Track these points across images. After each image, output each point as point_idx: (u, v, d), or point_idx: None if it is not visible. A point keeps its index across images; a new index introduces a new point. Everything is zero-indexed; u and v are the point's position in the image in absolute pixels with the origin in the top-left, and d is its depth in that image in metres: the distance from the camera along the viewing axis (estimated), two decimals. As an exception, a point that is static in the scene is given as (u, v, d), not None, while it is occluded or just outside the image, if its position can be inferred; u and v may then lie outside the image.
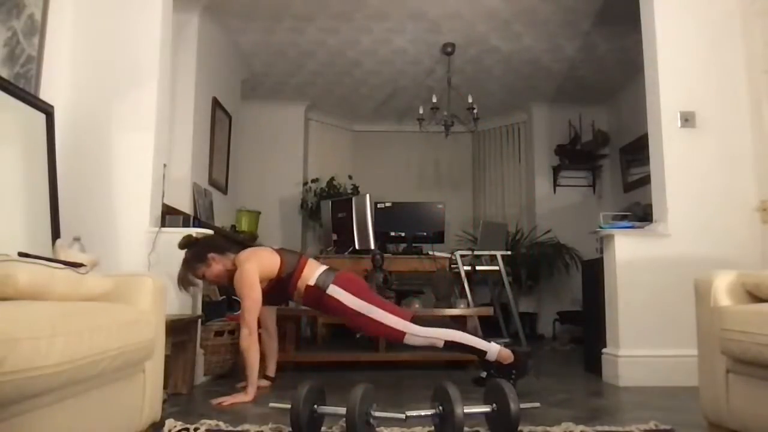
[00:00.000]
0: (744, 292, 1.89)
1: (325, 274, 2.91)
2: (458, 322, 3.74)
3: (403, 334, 2.81)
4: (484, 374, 3.05)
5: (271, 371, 3.17)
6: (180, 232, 3.15)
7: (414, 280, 5.16)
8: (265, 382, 3.06)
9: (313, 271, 2.92)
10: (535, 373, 2.72)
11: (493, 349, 2.86)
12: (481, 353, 2.87)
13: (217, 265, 2.88)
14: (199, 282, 2.98)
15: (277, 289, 2.92)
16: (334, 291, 2.87)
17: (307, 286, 2.90)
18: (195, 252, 2.88)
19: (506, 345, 2.98)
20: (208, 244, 2.94)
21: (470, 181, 7.55)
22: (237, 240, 5.14)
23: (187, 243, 2.89)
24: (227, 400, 2.60)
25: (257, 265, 2.83)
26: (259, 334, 2.92)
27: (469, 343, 2.87)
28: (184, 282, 2.85)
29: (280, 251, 2.97)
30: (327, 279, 2.89)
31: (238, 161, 5.82)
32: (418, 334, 2.81)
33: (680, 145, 3.30)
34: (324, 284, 2.88)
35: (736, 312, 1.78)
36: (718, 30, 3.38)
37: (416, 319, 2.87)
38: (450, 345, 2.87)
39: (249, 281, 2.78)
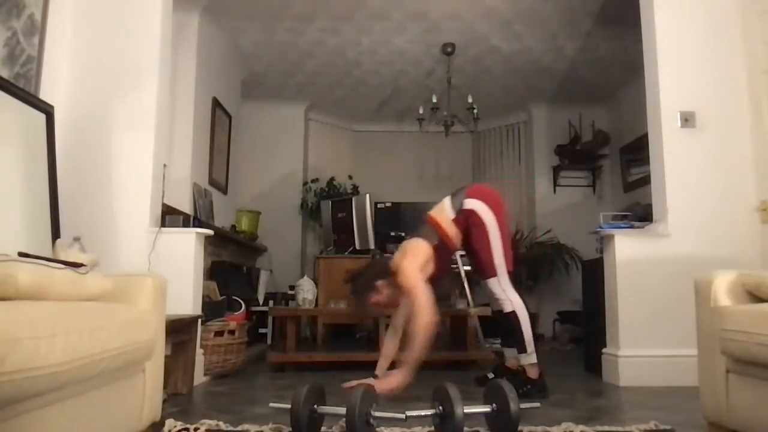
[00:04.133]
0: (744, 292, 1.89)
1: (455, 198, 2.99)
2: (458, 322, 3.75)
3: (495, 275, 2.93)
4: (491, 375, 3.05)
5: (380, 370, 2.94)
6: (180, 233, 3.16)
7: (414, 280, 5.15)
8: (372, 380, 2.93)
9: (446, 212, 2.98)
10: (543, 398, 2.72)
11: (532, 357, 2.88)
12: (522, 349, 2.88)
13: (386, 289, 2.84)
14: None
15: (443, 258, 2.96)
16: (472, 204, 2.94)
17: (453, 221, 2.94)
18: (360, 284, 2.87)
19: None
20: (373, 273, 2.90)
21: (470, 181, 7.53)
22: (237, 240, 5.15)
23: (351, 277, 2.91)
24: (383, 384, 2.48)
25: (413, 258, 2.79)
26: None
27: (523, 332, 2.89)
28: (360, 313, 2.81)
29: (414, 234, 2.96)
30: (459, 198, 2.98)
31: (238, 161, 5.82)
32: (502, 285, 2.94)
33: (680, 145, 3.30)
34: (460, 204, 2.95)
35: (736, 312, 1.78)
36: (718, 30, 3.38)
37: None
38: (512, 318, 2.90)
39: (411, 275, 2.70)
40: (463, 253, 4.80)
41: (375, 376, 2.93)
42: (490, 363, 3.49)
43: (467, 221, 2.96)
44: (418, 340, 2.56)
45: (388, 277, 2.84)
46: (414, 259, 2.79)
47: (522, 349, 2.88)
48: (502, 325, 3.01)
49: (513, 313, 2.90)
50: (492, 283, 2.94)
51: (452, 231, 2.96)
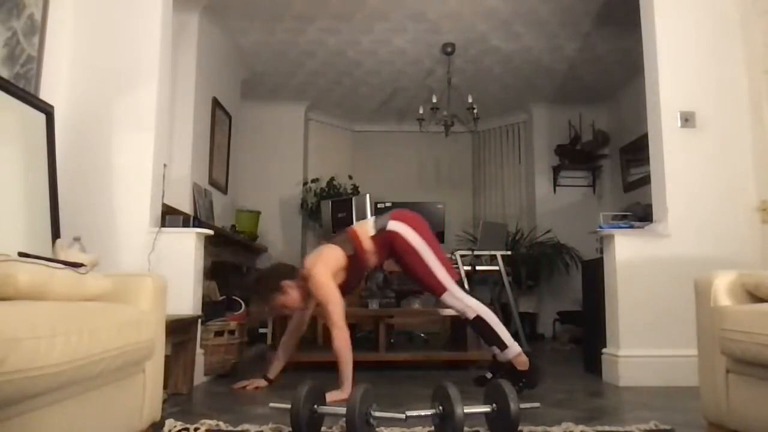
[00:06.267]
0: (744, 292, 1.89)
1: (379, 219, 3.00)
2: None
3: (445, 290, 2.91)
4: (489, 375, 3.05)
5: (273, 374, 3.12)
6: (180, 233, 3.16)
7: (414, 280, 5.16)
8: (262, 382, 3.05)
9: (366, 227, 2.99)
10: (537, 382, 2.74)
11: (514, 349, 2.87)
12: (502, 346, 2.87)
13: (293, 290, 2.89)
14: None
15: (354, 271, 2.97)
16: (395, 226, 2.94)
17: (372, 238, 2.95)
18: (265, 284, 2.90)
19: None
20: (278, 273, 2.93)
21: (470, 181, 7.55)
22: (237, 240, 5.15)
23: (255, 278, 2.98)
24: (333, 396, 2.54)
25: (325, 266, 2.83)
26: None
27: (496, 330, 2.88)
28: (258, 316, 2.83)
29: (331, 241, 3.01)
30: (383, 220, 2.98)
31: (238, 161, 5.82)
32: (456, 295, 2.91)
33: (680, 145, 3.30)
34: (382, 225, 2.95)
35: (736, 312, 1.78)
36: (718, 30, 3.38)
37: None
38: (479, 323, 2.89)
39: (325, 285, 2.79)
40: (464, 253, 4.83)
41: (266, 377, 3.07)
42: (490, 363, 3.49)
43: (393, 245, 2.95)
44: (342, 355, 2.72)
45: (294, 278, 2.89)
46: (326, 267, 2.83)
47: (502, 346, 2.88)
48: (476, 331, 3.03)
49: (477, 318, 2.89)
50: (446, 297, 2.92)
51: (368, 245, 2.95)
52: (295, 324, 3.14)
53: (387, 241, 2.95)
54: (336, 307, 2.77)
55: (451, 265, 3.00)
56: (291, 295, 2.88)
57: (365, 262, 2.99)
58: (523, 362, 2.86)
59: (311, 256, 2.94)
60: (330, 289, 2.79)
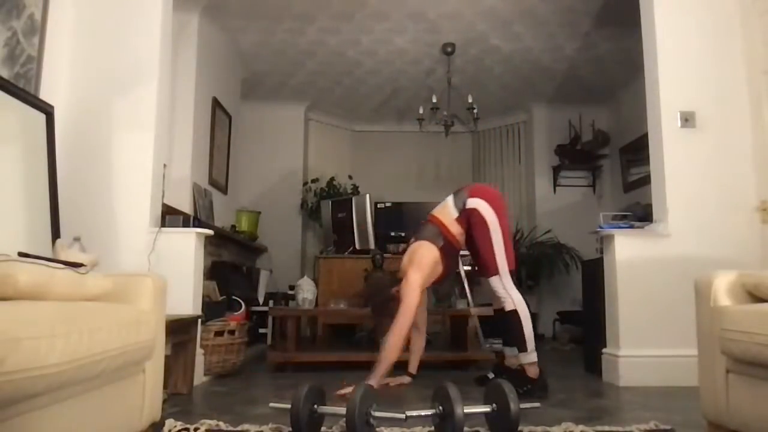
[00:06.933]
0: (744, 292, 1.89)
1: (457, 198, 3.04)
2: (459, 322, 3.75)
3: (497, 273, 2.94)
4: (491, 375, 3.05)
5: (413, 368, 3.17)
6: (180, 233, 3.16)
7: (414, 280, 5.15)
8: (406, 379, 3.11)
9: (448, 211, 3.03)
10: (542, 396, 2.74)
11: (533, 356, 2.88)
12: (523, 347, 2.89)
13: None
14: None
15: (449, 257, 3.03)
16: (474, 203, 2.98)
17: (457, 220, 2.99)
18: (381, 301, 3.03)
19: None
20: (383, 286, 3.08)
21: (470, 181, 7.54)
22: (237, 240, 5.15)
23: (367, 299, 3.13)
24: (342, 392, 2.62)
25: (420, 272, 2.88)
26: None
27: (525, 331, 2.90)
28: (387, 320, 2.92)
29: (422, 236, 3.02)
30: (461, 198, 3.02)
31: (238, 161, 5.82)
32: (505, 283, 2.95)
33: (680, 145, 3.30)
34: (462, 204, 3.00)
35: (736, 312, 1.78)
36: (718, 30, 3.38)
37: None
38: (513, 317, 2.91)
39: (412, 292, 2.83)
40: (464, 253, 4.83)
41: (410, 374, 3.15)
42: (491, 363, 3.49)
43: (469, 220, 2.99)
44: (389, 350, 2.74)
45: (396, 283, 3.00)
46: (420, 270, 2.90)
47: (522, 348, 2.88)
48: (504, 323, 3.02)
49: (514, 312, 2.90)
50: (494, 281, 2.96)
51: (456, 230, 3.01)
52: (417, 330, 3.17)
53: (467, 217, 3.00)
54: (407, 312, 2.79)
55: (513, 254, 3.03)
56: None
57: (457, 245, 3.06)
58: (534, 372, 2.87)
59: (406, 255, 3.02)
60: (413, 297, 2.82)
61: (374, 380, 2.67)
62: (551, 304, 6.28)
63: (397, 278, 3.04)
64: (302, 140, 6.95)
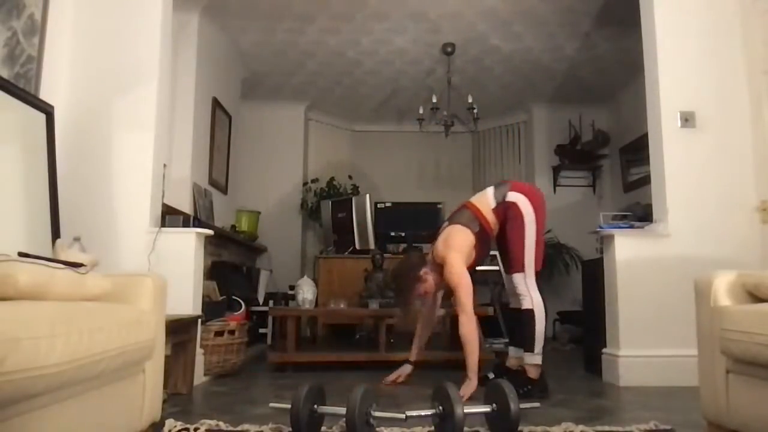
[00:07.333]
0: (744, 292, 1.89)
1: (498, 190, 3.02)
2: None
3: (522, 270, 2.93)
4: (491, 375, 3.04)
5: (414, 356, 3.20)
6: (180, 233, 3.16)
7: (414, 280, 5.15)
8: (408, 368, 3.15)
9: (487, 200, 3.02)
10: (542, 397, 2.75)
11: (538, 358, 2.88)
12: (530, 348, 2.88)
13: (430, 276, 2.97)
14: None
15: (483, 245, 3.01)
16: (514, 197, 2.97)
17: (493, 211, 2.98)
18: (407, 277, 2.99)
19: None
20: (414, 265, 3.03)
21: (470, 181, 7.54)
22: (237, 240, 5.15)
23: (394, 275, 3.06)
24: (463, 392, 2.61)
25: (459, 253, 2.88)
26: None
27: (536, 331, 2.90)
28: (411, 311, 2.97)
29: (456, 220, 3.01)
30: (502, 190, 3.01)
31: (238, 161, 5.82)
32: (528, 282, 2.93)
33: (680, 145, 3.30)
34: (502, 196, 2.98)
35: (736, 312, 1.78)
36: (718, 30, 3.38)
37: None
38: (527, 316, 2.92)
39: (458, 271, 2.83)
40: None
41: (409, 361, 3.18)
42: (491, 363, 3.49)
43: (506, 213, 2.99)
44: (468, 342, 2.76)
45: (426, 264, 2.99)
46: (460, 253, 2.89)
47: (529, 348, 2.88)
48: (516, 321, 3.03)
49: (531, 311, 2.90)
50: (517, 277, 2.94)
51: (491, 219, 3.00)
52: (425, 321, 3.24)
53: (505, 210, 2.99)
54: (466, 291, 2.81)
55: (541, 255, 3.02)
56: (429, 281, 2.99)
57: (491, 233, 3.04)
58: (535, 373, 2.87)
59: (441, 239, 3.00)
60: (462, 275, 2.83)
61: (472, 374, 2.73)
62: (551, 304, 6.23)
63: (425, 260, 3.03)
64: (302, 140, 6.94)
